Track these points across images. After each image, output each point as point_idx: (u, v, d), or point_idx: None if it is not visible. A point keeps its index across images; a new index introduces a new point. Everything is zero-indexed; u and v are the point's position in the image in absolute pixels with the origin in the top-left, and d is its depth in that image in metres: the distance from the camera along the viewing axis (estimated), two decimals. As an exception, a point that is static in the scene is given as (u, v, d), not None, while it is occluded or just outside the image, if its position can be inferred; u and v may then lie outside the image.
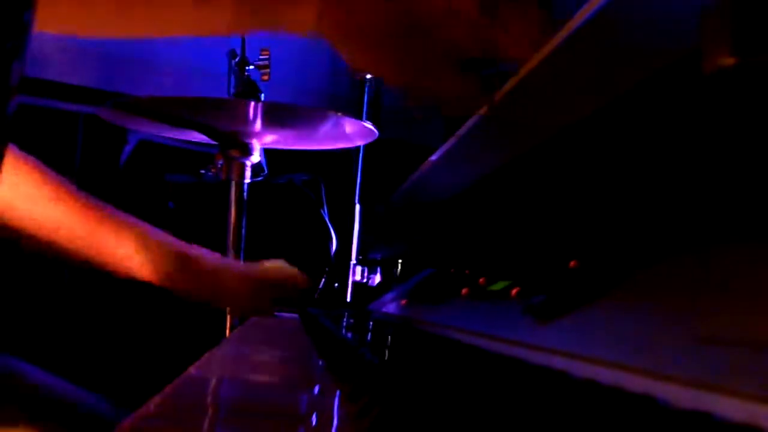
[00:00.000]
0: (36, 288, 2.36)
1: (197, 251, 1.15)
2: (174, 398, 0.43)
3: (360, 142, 1.94)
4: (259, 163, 1.77)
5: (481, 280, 0.69)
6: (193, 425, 0.38)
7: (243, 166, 1.74)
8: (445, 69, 0.67)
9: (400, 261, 1.52)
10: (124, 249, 1.07)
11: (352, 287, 1.94)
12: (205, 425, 0.39)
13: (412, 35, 0.67)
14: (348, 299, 1.92)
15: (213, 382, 0.55)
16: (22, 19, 0.47)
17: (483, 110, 0.67)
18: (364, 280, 1.91)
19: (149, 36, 0.85)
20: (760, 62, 0.26)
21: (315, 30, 0.69)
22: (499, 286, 0.64)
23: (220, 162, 1.75)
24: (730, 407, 0.25)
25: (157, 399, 0.40)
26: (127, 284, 1.15)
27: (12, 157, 1.02)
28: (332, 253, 2.19)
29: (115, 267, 1.08)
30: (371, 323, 1.07)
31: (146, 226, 1.11)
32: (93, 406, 0.98)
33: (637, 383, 0.30)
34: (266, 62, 1.82)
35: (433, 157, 0.85)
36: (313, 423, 0.41)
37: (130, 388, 1.28)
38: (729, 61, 0.26)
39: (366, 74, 1.86)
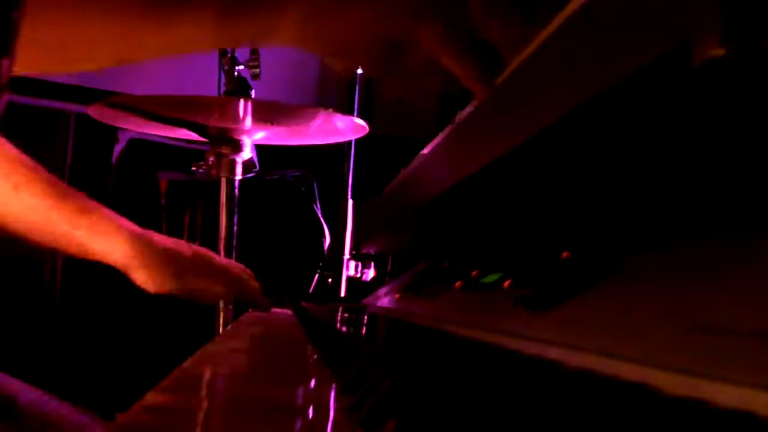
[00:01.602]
0: (23, 291, 2.36)
1: (151, 235, 1.16)
2: (167, 393, 0.43)
3: (351, 137, 1.95)
4: (251, 159, 1.77)
5: (474, 272, 0.69)
6: (186, 420, 0.38)
7: (234, 163, 1.75)
8: (431, 69, 0.68)
9: (393, 255, 1.52)
10: (81, 234, 1.08)
11: (345, 282, 1.94)
12: (199, 420, 0.39)
13: (397, 46, 0.68)
14: (342, 294, 1.92)
15: (207, 377, 0.55)
16: (10, 17, 0.47)
17: (473, 105, 0.67)
18: (358, 275, 1.91)
19: (135, 62, 0.85)
20: (749, 53, 0.26)
21: (298, 44, 0.70)
22: (492, 278, 0.64)
23: (211, 159, 1.76)
24: (722, 394, 0.25)
25: (150, 394, 0.40)
26: (117, 286, 1.15)
27: None
28: (325, 249, 2.19)
29: (74, 251, 1.09)
30: (365, 317, 1.08)
31: (100, 211, 1.11)
32: (80, 423, 0.98)
33: (629, 372, 0.30)
34: (256, 60, 1.82)
35: (425, 152, 0.85)
36: (309, 417, 0.41)
37: (122, 385, 1.28)
38: (719, 51, 0.26)
39: (354, 72, 1.87)
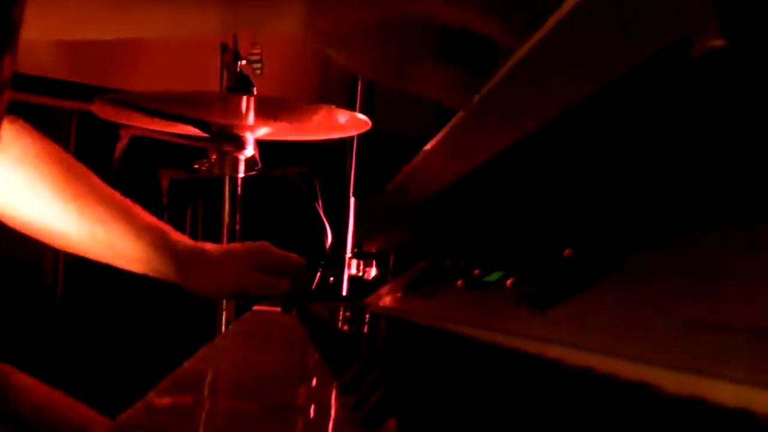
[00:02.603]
0: (24, 292, 2.36)
1: (205, 249, 1.15)
2: (169, 392, 0.43)
3: (353, 132, 1.95)
4: (253, 156, 1.77)
5: (476, 271, 0.69)
6: (187, 420, 0.38)
7: (237, 160, 1.75)
8: (429, 62, 0.69)
9: (395, 254, 1.52)
10: (134, 252, 1.07)
11: (347, 281, 1.94)
12: (201, 419, 0.39)
13: (397, 32, 0.68)
14: (344, 293, 1.92)
15: (208, 375, 0.55)
16: (11, 14, 0.47)
17: (474, 100, 0.67)
18: (360, 274, 1.91)
19: (135, 37, 0.85)
20: (750, 43, 0.26)
21: (301, 34, 0.70)
22: (494, 276, 0.64)
23: (214, 156, 1.76)
24: (722, 393, 0.25)
25: (152, 393, 0.40)
26: (118, 286, 1.15)
27: (37, 147, 1.02)
28: (327, 247, 2.20)
29: (126, 267, 1.09)
30: (367, 316, 1.08)
31: (158, 228, 1.11)
32: (82, 413, 0.98)
33: (630, 370, 0.30)
34: (258, 56, 1.82)
35: (427, 149, 0.85)
36: (309, 416, 0.41)
37: (124, 385, 1.28)
38: (718, 42, 0.26)
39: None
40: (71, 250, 1.08)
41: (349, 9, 0.68)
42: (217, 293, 1.17)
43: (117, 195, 1.09)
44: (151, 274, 1.10)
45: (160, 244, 1.09)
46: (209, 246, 1.16)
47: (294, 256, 1.21)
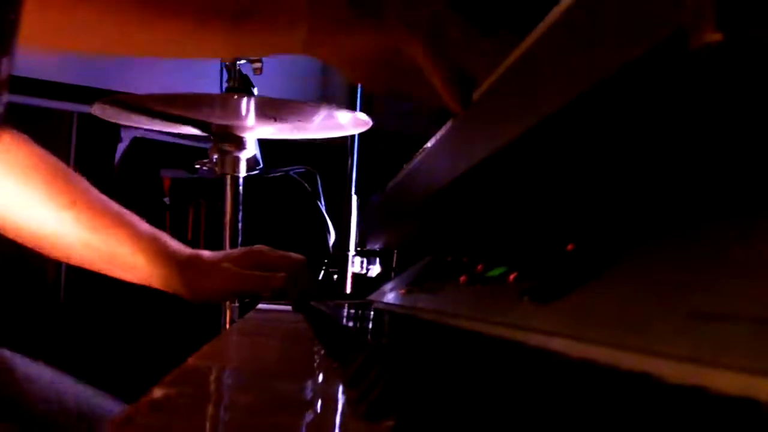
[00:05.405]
0: (33, 283, 2.36)
1: (201, 255, 1.16)
2: (174, 387, 0.43)
3: (354, 131, 1.95)
4: (254, 156, 1.77)
5: (479, 266, 0.70)
6: (193, 414, 0.38)
7: (238, 160, 1.75)
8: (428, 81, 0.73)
9: (397, 251, 1.52)
10: (133, 260, 1.08)
11: (351, 279, 1.95)
12: (206, 413, 0.39)
13: (398, 59, 0.72)
14: (347, 290, 1.92)
15: (213, 371, 0.55)
16: (8, 17, 0.47)
17: (475, 97, 0.67)
18: (363, 272, 1.91)
19: (139, 55, 0.88)
20: (747, 36, 0.26)
21: (304, 53, 0.73)
22: (496, 272, 0.64)
23: (215, 157, 1.76)
24: (726, 382, 0.25)
25: (156, 389, 0.40)
26: (121, 284, 1.15)
27: (31, 155, 1.02)
28: (330, 245, 2.20)
29: (125, 276, 1.10)
30: (371, 313, 1.08)
31: (156, 236, 1.11)
32: (90, 398, 0.98)
33: (633, 361, 0.31)
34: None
35: (428, 146, 0.85)
36: (315, 409, 0.41)
37: (128, 381, 1.28)
38: (715, 36, 0.26)
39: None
40: (71, 261, 1.07)
41: (346, 37, 0.71)
42: (215, 297, 1.18)
43: (113, 203, 1.09)
44: (149, 282, 1.11)
45: (159, 251, 1.09)
46: (206, 252, 1.18)
47: (291, 254, 1.22)
